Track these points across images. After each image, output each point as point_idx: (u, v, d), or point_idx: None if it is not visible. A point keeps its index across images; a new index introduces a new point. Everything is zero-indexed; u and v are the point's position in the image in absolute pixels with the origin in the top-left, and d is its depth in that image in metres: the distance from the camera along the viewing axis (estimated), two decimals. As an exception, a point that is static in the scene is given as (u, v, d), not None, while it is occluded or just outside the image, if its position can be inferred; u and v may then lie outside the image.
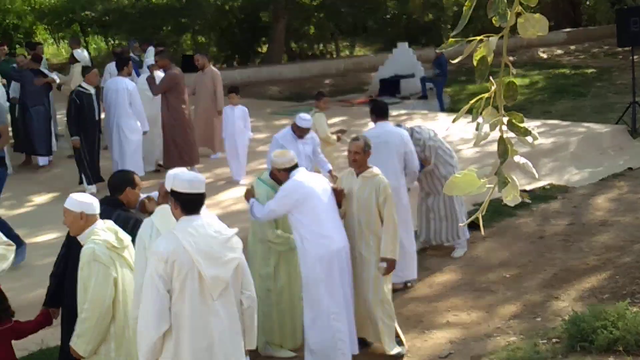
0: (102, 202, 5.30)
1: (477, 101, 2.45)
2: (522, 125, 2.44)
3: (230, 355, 4.60)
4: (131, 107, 11.10)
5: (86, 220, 5.02)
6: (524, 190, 11.09)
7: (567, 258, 8.57)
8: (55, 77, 12.85)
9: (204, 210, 4.63)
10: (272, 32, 26.09)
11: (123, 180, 5.69)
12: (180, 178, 4.57)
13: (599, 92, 18.97)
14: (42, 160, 12.12)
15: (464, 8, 2.43)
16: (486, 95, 2.44)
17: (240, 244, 4.69)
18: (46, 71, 12.88)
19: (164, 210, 4.97)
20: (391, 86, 18.89)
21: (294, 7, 25.64)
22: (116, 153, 11.17)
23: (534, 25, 2.39)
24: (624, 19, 14.35)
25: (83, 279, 4.85)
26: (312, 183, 6.34)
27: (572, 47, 28.27)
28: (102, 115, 11.21)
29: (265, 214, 6.33)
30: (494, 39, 2.43)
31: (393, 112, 16.45)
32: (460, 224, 8.73)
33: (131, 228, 5.34)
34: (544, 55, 27.08)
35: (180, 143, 11.05)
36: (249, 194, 6.60)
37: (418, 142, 8.53)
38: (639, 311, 6.51)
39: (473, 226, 9.55)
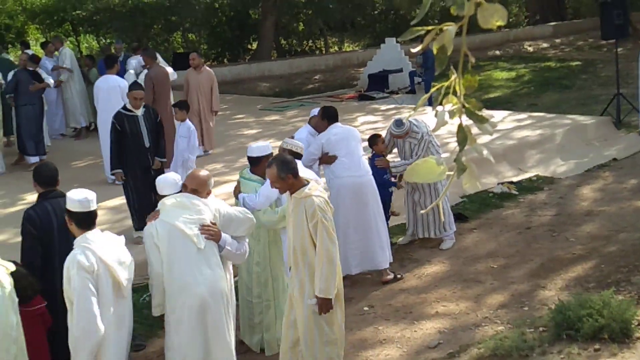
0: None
1: (438, 89, 2.45)
2: (479, 113, 2.41)
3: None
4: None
5: None
6: (511, 182, 11.12)
7: (554, 248, 8.59)
8: (50, 81, 12.76)
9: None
10: (261, 29, 26.05)
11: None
12: (71, 199, 5.08)
13: (584, 85, 19.00)
14: (32, 159, 12.05)
15: None
16: (446, 83, 2.42)
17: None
18: (43, 74, 12.80)
19: (163, 205, 5.39)
20: (379, 81, 18.88)
21: (283, 4, 25.62)
22: (106, 150, 11.05)
23: (493, 15, 2.36)
24: (608, 12, 14.34)
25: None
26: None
27: (558, 41, 28.31)
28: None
29: (260, 201, 6.32)
30: (452, 28, 2.40)
31: (381, 107, 16.61)
32: (442, 218, 8.75)
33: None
34: (530, 49, 27.10)
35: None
36: (237, 191, 6.61)
37: (416, 135, 8.53)
38: (624, 299, 6.53)
39: (460, 218, 9.61)
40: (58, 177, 6.07)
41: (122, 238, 5.35)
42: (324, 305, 5.51)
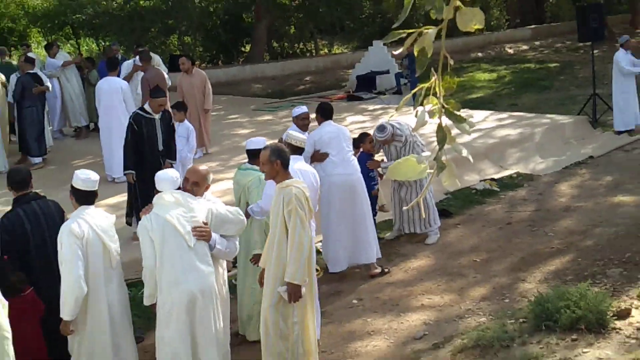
0: None
1: (419, 90, 2.48)
2: (458, 113, 2.45)
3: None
4: (125, 104, 10.96)
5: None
6: (492, 179, 11.17)
7: (533, 242, 8.62)
8: (49, 84, 12.70)
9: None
10: (255, 32, 26.00)
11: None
12: (77, 177, 5.57)
13: (562, 85, 19.06)
14: (35, 159, 12.01)
15: (405, 1, 2.44)
16: (426, 85, 2.45)
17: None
18: (43, 76, 12.75)
19: (159, 197, 5.44)
20: (367, 82, 18.89)
21: (275, 8, 25.56)
22: (107, 150, 11.09)
23: (472, 19, 2.39)
24: (585, 16, 14.42)
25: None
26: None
27: (537, 43, 28.37)
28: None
29: (266, 202, 6.24)
30: (432, 31, 2.42)
31: (369, 107, 16.61)
32: (423, 216, 8.79)
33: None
34: (511, 51, 27.16)
35: None
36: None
37: (400, 138, 8.55)
38: (599, 291, 6.56)
39: (444, 214, 9.65)
40: (30, 179, 6.10)
41: (112, 217, 5.83)
42: (294, 291, 5.44)
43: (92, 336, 5.60)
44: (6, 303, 4.57)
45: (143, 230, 5.32)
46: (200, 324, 5.34)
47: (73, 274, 5.30)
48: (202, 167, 5.88)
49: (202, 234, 5.35)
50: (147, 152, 8.50)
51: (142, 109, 8.79)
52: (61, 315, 5.40)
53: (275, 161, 5.59)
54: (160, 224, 5.24)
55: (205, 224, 5.40)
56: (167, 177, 5.60)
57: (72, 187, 5.60)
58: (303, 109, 8.18)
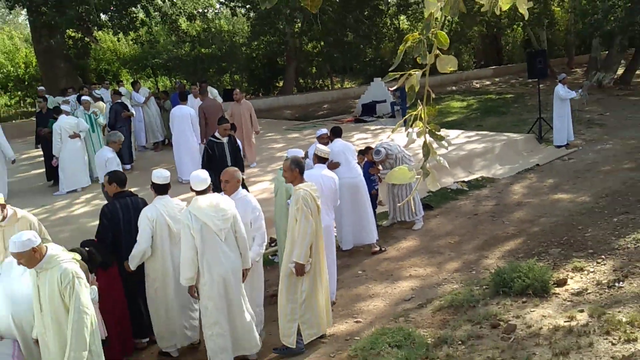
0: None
1: (409, 116, 2.49)
2: (438, 133, 2.46)
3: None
4: (192, 126, 11.03)
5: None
6: (463, 181, 11.10)
7: (493, 229, 8.58)
8: (133, 111, 12.81)
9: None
10: (285, 72, 26.04)
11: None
12: (155, 175, 5.78)
13: (516, 111, 18.90)
14: (127, 166, 12.10)
15: (398, 51, 2.45)
16: (415, 112, 2.46)
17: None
18: (128, 104, 12.87)
19: (196, 201, 5.36)
20: (369, 109, 18.83)
21: (301, 54, 25.60)
22: (177, 159, 11.17)
23: (448, 63, 2.40)
24: (532, 59, 14.29)
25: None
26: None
27: (497, 79, 28.17)
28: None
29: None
30: (418, 73, 2.44)
31: (371, 127, 16.57)
32: (399, 204, 8.74)
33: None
34: (477, 85, 26.98)
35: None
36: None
37: (391, 156, 8.49)
38: (543, 265, 6.53)
39: (427, 207, 9.61)
40: (126, 181, 6.14)
41: (183, 204, 5.89)
42: (299, 268, 5.48)
43: (163, 281, 5.75)
44: (88, 285, 4.52)
45: (186, 227, 5.22)
46: (233, 295, 5.33)
47: (142, 240, 5.59)
48: (232, 168, 5.96)
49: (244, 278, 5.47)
50: (218, 169, 8.37)
51: (213, 136, 8.71)
52: (129, 264, 5.69)
53: (294, 169, 5.64)
54: (199, 224, 5.16)
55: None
56: (199, 178, 5.40)
57: (152, 182, 5.79)
58: (323, 130, 8.24)
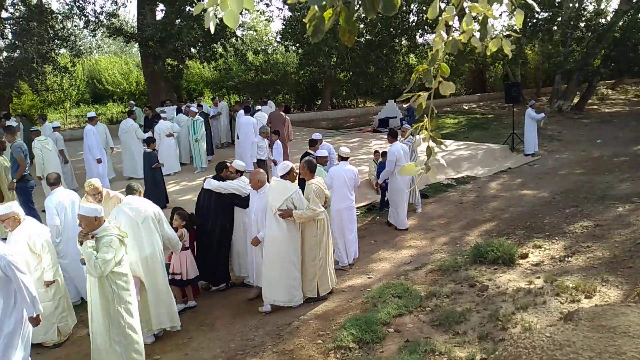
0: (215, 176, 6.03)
1: (416, 127, 2.49)
2: (439, 139, 2.46)
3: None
4: (254, 132, 10.80)
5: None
6: (452, 178, 10.96)
7: (474, 214, 8.48)
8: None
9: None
10: (323, 93, 25.96)
11: (222, 165, 6.15)
12: (235, 164, 5.92)
13: (495, 128, 18.46)
14: (209, 157, 11.95)
15: (411, 77, 2.45)
16: (421, 124, 2.47)
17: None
18: (209, 112, 12.98)
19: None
20: (384, 122, 18.63)
21: (335, 81, 25.47)
22: (239, 154, 11.07)
23: (448, 88, 2.40)
24: (509, 88, 14.05)
25: None
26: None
27: (482, 103, 27.51)
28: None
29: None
30: (425, 95, 2.44)
31: (384, 136, 16.26)
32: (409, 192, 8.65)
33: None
34: (466, 107, 26.41)
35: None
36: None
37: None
38: (511, 243, 6.43)
39: (424, 196, 9.53)
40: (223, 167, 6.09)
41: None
42: (286, 215, 5.18)
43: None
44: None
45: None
46: (281, 264, 5.31)
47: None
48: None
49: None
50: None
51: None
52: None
53: (307, 168, 5.54)
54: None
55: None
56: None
57: (236, 168, 5.95)
58: (317, 136, 8.31)
